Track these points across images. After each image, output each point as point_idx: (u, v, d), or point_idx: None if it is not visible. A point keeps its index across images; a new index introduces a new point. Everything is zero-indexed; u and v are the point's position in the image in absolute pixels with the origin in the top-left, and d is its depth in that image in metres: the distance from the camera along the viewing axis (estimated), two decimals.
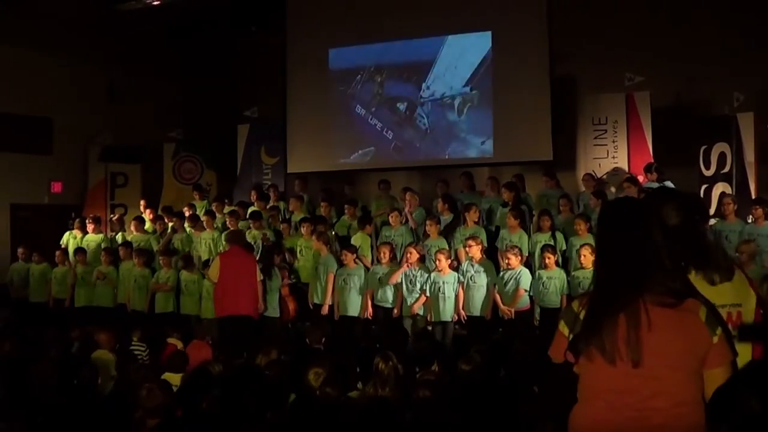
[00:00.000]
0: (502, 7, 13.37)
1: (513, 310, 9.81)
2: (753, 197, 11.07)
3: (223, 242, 11.54)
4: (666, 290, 2.90)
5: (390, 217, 11.54)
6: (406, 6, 13.89)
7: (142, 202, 14.61)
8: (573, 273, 9.86)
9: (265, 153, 15.57)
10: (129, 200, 15.73)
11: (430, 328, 10.16)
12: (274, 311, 10.84)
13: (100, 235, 13.75)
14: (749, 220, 10.06)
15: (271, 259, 10.82)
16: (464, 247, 10.30)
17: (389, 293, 10.43)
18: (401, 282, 10.29)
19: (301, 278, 11.50)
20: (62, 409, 5.24)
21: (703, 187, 11.87)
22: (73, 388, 6.29)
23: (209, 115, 16.15)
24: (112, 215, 15.17)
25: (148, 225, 13.62)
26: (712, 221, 9.99)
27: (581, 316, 3.00)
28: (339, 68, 14.55)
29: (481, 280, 9.99)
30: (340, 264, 10.81)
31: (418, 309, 10.20)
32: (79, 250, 12.95)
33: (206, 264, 11.54)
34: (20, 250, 13.51)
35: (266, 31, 15.72)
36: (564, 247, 10.52)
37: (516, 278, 9.83)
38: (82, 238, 13.67)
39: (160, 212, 14.07)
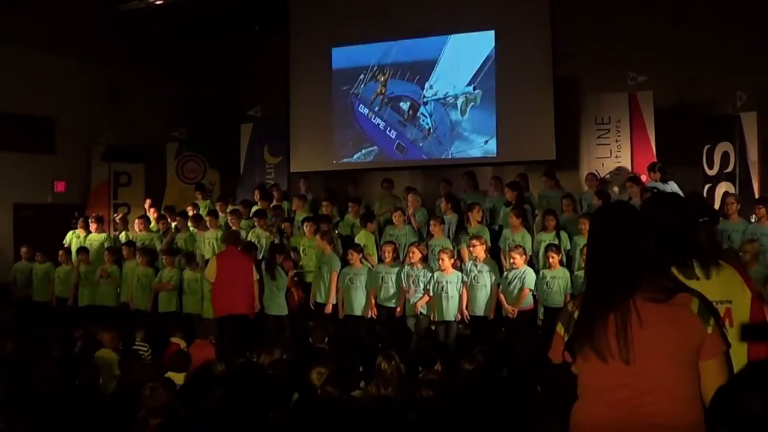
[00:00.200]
0: (505, 6, 13.36)
1: (517, 310, 9.81)
2: (756, 197, 11.05)
3: (220, 242, 11.56)
4: (658, 288, 2.94)
5: (393, 217, 11.55)
6: (409, 5, 13.90)
7: (147, 201, 14.62)
8: (576, 272, 9.87)
9: (268, 152, 15.57)
10: (132, 200, 15.75)
11: (433, 327, 10.16)
12: (282, 309, 10.85)
13: (103, 235, 13.76)
14: (752, 220, 10.05)
15: (273, 258, 10.82)
16: (468, 246, 10.29)
17: (392, 293, 10.43)
18: (404, 281, 10.29)
19: (305, 278, 11.50)
20: (65, 409, 5.24)
21: (707, 186, 11.88)
22: (76, 387, 6.29)
23: (212, 115, 16.16)
24: (115, 214, 15.18)
25: (153, 224, 13.63)
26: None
27: (575, 317, 3.06)
28: (342, 67, 14.54)
29: (485, 280, 9.98)
30: (345, 263, 10.82)
31: (421, 308, 10.20)
32: (82, 250, 12.96)
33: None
34: (23, 250, 13.54)
35: (269, 30, 15.74)
36: (568, 247, 10.52)
37: (521, 278, 9.83)
38: (85, 237, 13.69)
39: (162, 211, 14.08)
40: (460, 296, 10.01)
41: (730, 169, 11.72)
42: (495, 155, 13.38)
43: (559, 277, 9.76)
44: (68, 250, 13.33)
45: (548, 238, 10.47)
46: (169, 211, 13.82)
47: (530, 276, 9.85)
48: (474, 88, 13.45)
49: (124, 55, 15.48)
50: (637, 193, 10.94)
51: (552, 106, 12.75)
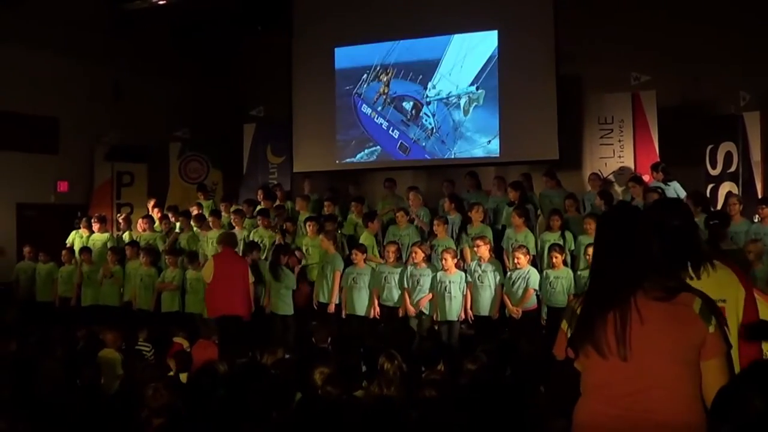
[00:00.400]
0: (508, 6, 13.36)
1: (521, 310, 9.80)
2: (759, 196, 11.05)
3: (215, 243, 11.60)
4: (660, 287, 2.97)
5: (397, 217, 11.55)
6: (412, 5, 13.91)
7: (151, 201, 14.61)
8: (579, 272, 9.86)
9: (271, 152, 15.58)
10: (135, 199, 15.76)
11: (436, 327, 10.15)
12: (288, 309, 10.85)
13: (106, 234, 13.76)
14: (755, 220, 10.04)
15: (278, 258, 10.83)
16: (473, 246, 10.28)
17: (395, 292, 10.43)
18: (407, 282, 10.29)
19: (308, 278, 11.51)
20: (68, 408, 5.25)
21: (710, 186, 11.87)
22: (80, 387, 6.30)
23: (215, 115, 16.17)
24: (118, 214, 15.18)
25: (157, 224, 13.64)
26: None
27: (578, 314, 3.12)
28: (345, 67, 14.55)
29: (489, 280, 9.97)
30: (348, 263, 10.82)
31: (424, 306, 10.19)
32: (84, 249, 12.96)
33: None
34: (26, 250, 13.54)
35: (272, 30, 15.73)
36: (573, 247, 10.51)
37: (525, 278, 9.82)
38: (88, 237, 13.69)
39: (165, 211, 14.08)
40: (464, 296, 10.01)
41: (733, 169, 11.72)
42: (498, 155, 13.37)
43: (562, 277, 9.75)
44: (71, 250, 13.34)
45: (553, 238, 10.46)
46: (173, 210, 13.82)
47: (534, 276, 9.83)
48: (477, 88, 13.44)
49: (127, 54, 15.50)
50: (639, 193, 10.93)
51: (555, 105, 12.75)
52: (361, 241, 11.30)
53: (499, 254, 10.67)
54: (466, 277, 10.10)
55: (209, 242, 12.41)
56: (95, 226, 13.70)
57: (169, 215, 13.67)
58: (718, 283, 3.41)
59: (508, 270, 10.18)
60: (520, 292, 9.81)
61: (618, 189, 12.37)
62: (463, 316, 10.06)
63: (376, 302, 10.51)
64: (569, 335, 3.14)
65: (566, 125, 12.87)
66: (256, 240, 11.84)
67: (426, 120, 13.84)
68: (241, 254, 11.57)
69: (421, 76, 13.86)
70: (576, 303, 3.21)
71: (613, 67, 13.00)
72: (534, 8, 13.07)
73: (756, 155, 11.63)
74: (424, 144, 13.93)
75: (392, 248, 10.61)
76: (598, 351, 2.97)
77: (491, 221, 11.76)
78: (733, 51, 12.17)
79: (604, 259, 3.13)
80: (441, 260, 10.20)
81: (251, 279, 10.33)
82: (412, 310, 10.22)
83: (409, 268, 10.37)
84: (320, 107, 14.65)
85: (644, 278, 2.99)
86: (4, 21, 13.81)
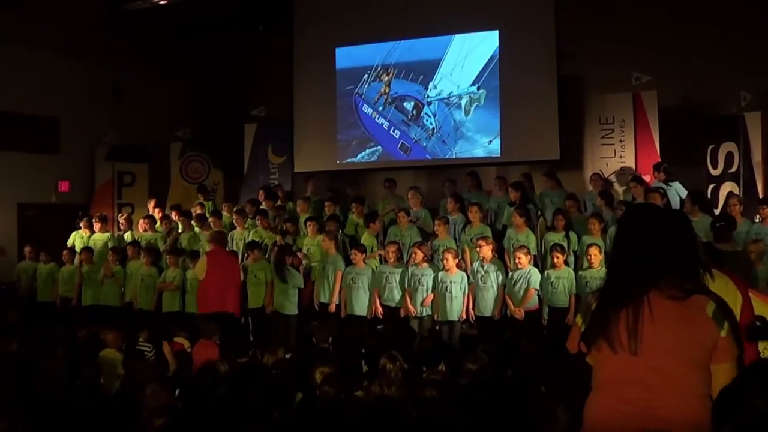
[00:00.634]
0: (509, 6, 13.35)
1: (523, 312, 9.79)
2: (760, 197, 11.05)
3: (206, 241, 11.70)
4: (676, 287, 3.01)
5: (398, 217, 11.55)
6: (413, 5, 13.90)
7: (152, 201, 14.60)
8: (580, 272, 9.84)
9: (272, 152, 15.58)
10: (136, 199, 15.76)
11: (437, 327, 10.14)
12: (293, 309, 10.88)
13: (107, 234, 13.75)
14: (756, 220, 10.03)
15: (283, 259, 10.84)
16: (475, 247, 10.27)
17: (396, 293, 10.42)
18: (407, 282, 10.28)
19: (311, 275, 11.51)
20: (68, 408, 5.24)
21: (711, 186, 11.87)
22: (80, 387, 6.30)
23: (216, 115, 16.17)
24: (119, 214, 15.18)
25: (158, 224, 13.63)
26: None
27: (593, 308, 3.19)
28: (346, 67, 14.54)
29: (492, 280, 9.96)
30: (348, 263, 10.82)
31: (425, 306, 10.19)
32: (85, 249, 12.96)
33: None
34: (27, 250, 13.52)
35: (273, 30, 15.74)
36: (576, 247, 10.51)
37: (526, 278, 9.81)
38: (89, 237, 13.69)
39: (168, 210, 14.09)
40: (465, 296, 10.00)
41: (734, 169, 11.71)
42: (499, 155, 13.36)
43: (563, 278, 9.73)
44: (72, 250, 13.34)
45: (557, 238, 10.44)
46: (177, 209, 13.79)
47: (535, 276, 9.82)
48: (478, 88, 13.43)
49: (127, 54, 15.51)
50: (641, 194, 10.93)
51: (556, 106, 12.74)
52: (361, 242, 11.30)
53: (500, 254, 10.66)
54: (468, 277, 10.09)
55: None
56: (96, 226, 13.69)
57: (173, 213, 13.65)
58: (716, 289, 3.43)
59: (509, 270, 10.17)
60: (522, 292, 9.79)
61: (619, 189, 12.37)
62: (464, 316, 10.06)
63: (377, 302, 10.50)
64: (583, 330, 3.20)
65: (567, 125, 12.86)
66: (256, 239, 11.83)
67: (427, 120, 13.83)
68: (241, 254, 11.62)
69: (422, 76, 13.85)
70: (592, 298, 3.28)
71: (614, 67, 12.99)
72: (535, 8, 13.06)
73: (757, 155, 11.63)
74: (425, 144, 13.92)
75: (392, 248, 10.61)
76: (609, 345, 3.03)
77: (492, 221, 11.76)
78: (734, 51, 12.17)
79: (621, 258, 3.20)
80: (442, 260, 10.19)
81: (242, 277, 10.59)
82: (413, 310, 10.21)
83: (410, 268, 10.36)
84: (321, 107, 14.65)
85: (660, 278, 3.03)
86: (4, 21, 13.82)
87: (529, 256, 9.93)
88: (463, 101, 13.54)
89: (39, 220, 14.75)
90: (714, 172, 11.93)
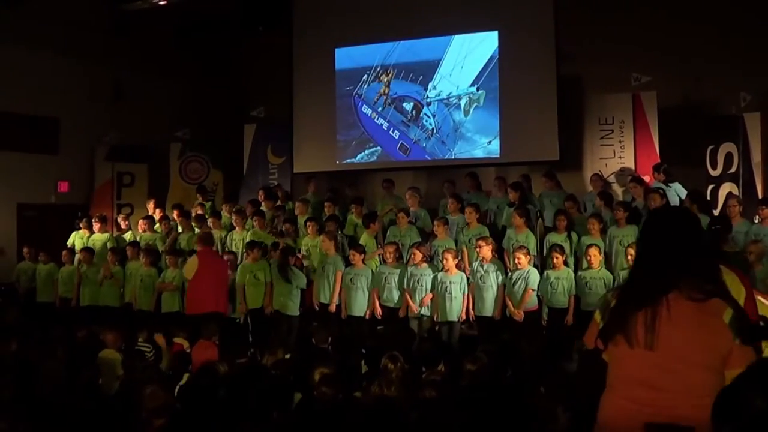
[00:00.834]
0: (508, 7, 13.35)
1: (523, 313, 9.78)
2: (760, 197, 11.04)
3: (194, 242, 11.68)
4: (696, 289, 3.04)
5: (398, 217, 11.55)
6: (413, 6, 13.91)
7: (151, 202, 14.60)
8: (580, 273, 9.84)
9: (272, 153, 15.58)
10: (135, 200, 15.77)
11: (436, 328, 10.14)
12: (296, 309, 10.90)
13: (107, 235, 13.75)
14: (756, 220, 10.03)
15: (286, 260, 10.84)
16: (475, 247, 10.26)
17: (395, 293, 10.42)
18: (407, 282, 10.28)
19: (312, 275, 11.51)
20: (68, 408, 5.24)
21: (710, 187, 11.86)
22: (80, 387, 6.29)
23: (216, 115, 16.18)
24: (119, 215, 15.18)
25: (158, 224, 13.63)
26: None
27: (612, 306, 3.23)
28: (345, 68, 14.54)
29: (491, 281, 9.95)
30: (348, 263, 10.82)
31: (425, 307, 10.18)
32: (85, 250, 12.95)
33: None
34: (26, 250, 13.53)
35: (273, 30, 15.75)
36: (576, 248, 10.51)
37: (525, 278, 9.80)
38: (88, 237, 13.69)
39: (169, 210, 14.09)
40: (465, 297, 10.00)
41: (733, 169, 11.71)
42: (498, 156, 13.36)
43: (563, 278, 9.73)
44: (71, 250, 13.34)
45: (559, 238, 10.44)
46: (178, 209, 13.78)
47: (534, 276, 9.82)
48: (477, 89, 13.43)
49: (127, 55, 15.52)
50: (640, 194, 10.93)
51: (555, 106, 12.73)
52: (360, 242, 11.30)
53: (499, 255, 10.66)
54: (468, 278, 10.09)
55: None
56: (95, 227, 13.70)
57: (174, 213, 13.64)
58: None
59: (509, 270, 10.16)
60: (521, 292, 9.80)
61: (618, 190, 12.37)
62: (464, 317, 10.05)
63: (377, 302, 10.50)
64: (601, 326, 3.23)
65: (567, 126, 12.86)
66: (255, 240, 11.81)
67: (426, 120, 13.83)
68: (242, 254, 11.63)
69: (421, 77, 13.85)
70: (611, 295, 3.32)
71: (614, 68, 12.99)
72: (534, 9, 13.06)
73: (756, 156, 11.63)
74: (424, 145, 13.92)
75: (391, 249, 10.61)
76: (626, 339, 3.07)
77: (491, 221, 11.76)
78: (733, 51, 12.17)
79: (643, 259, 3.26)
80: (441, 260, 10.19)
81: (231, 276, 10.72)
82: (414, 307, 10.21)
83: (409, 268, 10.36)
84: (321, 108, 14.65)
85: (680, 280, 3.07)
86: (4, 21, 13.83)
87: (528, 257, 9.93)
88: (463, 102, 13.54)
89: (38, 221, 14.76)
90: (713, 173, 11.93)
